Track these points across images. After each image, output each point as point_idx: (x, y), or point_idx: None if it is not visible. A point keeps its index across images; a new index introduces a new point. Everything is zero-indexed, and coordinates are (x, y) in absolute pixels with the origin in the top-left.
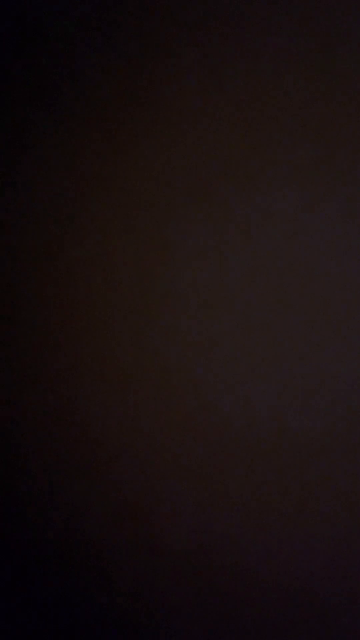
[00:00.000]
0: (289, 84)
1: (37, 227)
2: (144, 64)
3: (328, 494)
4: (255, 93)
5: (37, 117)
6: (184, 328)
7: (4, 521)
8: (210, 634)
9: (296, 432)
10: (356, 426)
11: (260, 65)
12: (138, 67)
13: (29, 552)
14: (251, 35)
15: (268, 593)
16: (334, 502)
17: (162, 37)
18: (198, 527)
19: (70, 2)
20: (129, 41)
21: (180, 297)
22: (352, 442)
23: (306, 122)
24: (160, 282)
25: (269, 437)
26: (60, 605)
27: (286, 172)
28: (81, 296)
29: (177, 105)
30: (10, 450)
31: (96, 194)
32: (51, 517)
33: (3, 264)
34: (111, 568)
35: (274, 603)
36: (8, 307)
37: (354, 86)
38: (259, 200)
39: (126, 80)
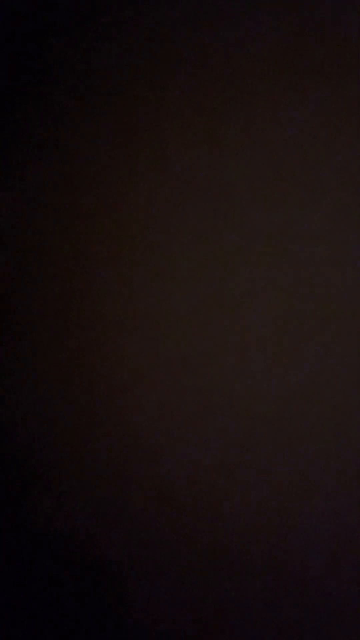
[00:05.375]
0: (288, 83)
1: (38, 227)
2: (145, 65)
3: (324, 492)
4: (256, 94)
5: (37, 118)
6: (182, 327)
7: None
8: (214, 628)
9: (299, 425)
10: (356, 421)
11: (259, 64)
12: (138, 66)
13: (30, 549)
14: (252, 39)
15: (277, 586)
16: (340, 494)
17: (163, 39)
18: (203, 526)
19: (72, 6)
20: (128, 41)
21: (180, 296)
22: (353, 436)
23: (306, 124)
24: (159, 280)
25: (273, 434)
26: (59, 606)
27: (286, 173)
28: (82, 296)
29: (176, 105)
30: (12, 448)
31: (96, 196)
32: (55, 516)
33: (5, 265)
34: (116, 568)
35: (282, 598)
36: (9, 307)
37: (354, 90)
38: (259, 202)
39: (126, 80)
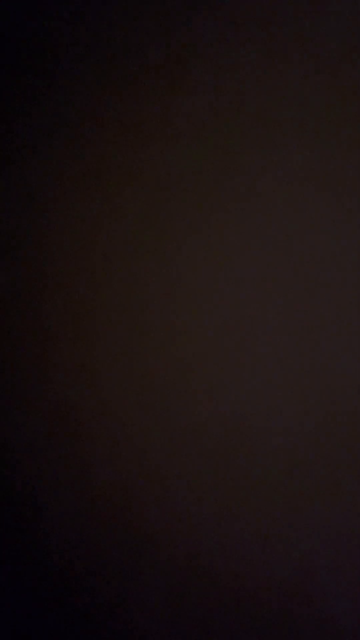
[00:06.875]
0: (288, 83)
1: (34, 228)
2: (142, 62)
3: (323, 499)
4: (255, 93)
5: (36, 115)
6: (181, 331)
7: None
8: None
9: (293, 437)
10: (356, 432)
11: (260, 65)
12: (137, 62)
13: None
14: (252, 36)
15: (261, 598)
16: (329, 507)
17: (162, 34)
18: (189, 531)
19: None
20: (127, 37)
21: (179, 299)
22: (352, 450)
23: (305, 124)
24: (158, 283)
25: (264, 440)
26: (39, 610)
27: (285, 172)
28: (79, 300)
29: (175, 104)
30: (6, 451)
31: (94, 194)
32: (44, 519)
33: (3, 269)
34: (99, 573)
35: (267, 609)
36: (7, 310)
37: (352, 87)
38: (258, 201)
39: (124, 76)
